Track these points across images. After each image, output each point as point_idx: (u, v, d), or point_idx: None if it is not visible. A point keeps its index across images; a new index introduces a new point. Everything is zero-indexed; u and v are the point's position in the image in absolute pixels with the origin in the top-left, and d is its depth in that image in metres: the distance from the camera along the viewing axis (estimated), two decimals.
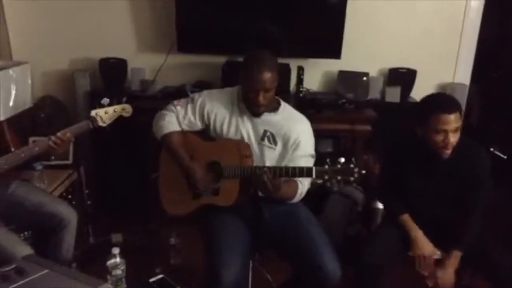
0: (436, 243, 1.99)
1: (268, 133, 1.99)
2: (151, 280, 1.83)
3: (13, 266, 1.25)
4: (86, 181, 2.96)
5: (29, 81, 2.67)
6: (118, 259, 1.70)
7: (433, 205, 2.02)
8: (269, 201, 1.92)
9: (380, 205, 2.85)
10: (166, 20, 3.05)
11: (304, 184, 1.96)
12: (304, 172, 1.79)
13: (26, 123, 2.90)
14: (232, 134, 2.00)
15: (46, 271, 1.23)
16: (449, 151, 1.90)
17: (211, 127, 2.04)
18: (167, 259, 2.59)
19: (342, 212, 2.78)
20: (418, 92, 3.15)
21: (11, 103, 2.51)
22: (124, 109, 2.17)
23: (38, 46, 3.15)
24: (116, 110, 2.13)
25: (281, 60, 2.97)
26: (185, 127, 2.06)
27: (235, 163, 1.91)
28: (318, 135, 2.88)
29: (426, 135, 1.91)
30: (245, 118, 2.00)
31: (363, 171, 1.72)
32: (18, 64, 2.66)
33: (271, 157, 1.98)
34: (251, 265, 2.12)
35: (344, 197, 2.82)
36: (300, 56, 3.08)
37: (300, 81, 3.01)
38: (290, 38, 3.00)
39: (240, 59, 2.02)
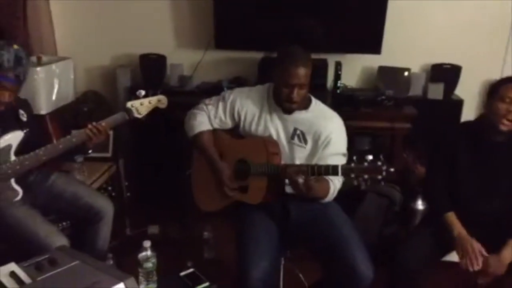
0: (484, 242, 1.90)
1: (298, 132, 1.96)
2: (182, 273, 1.85)
3: (47, 256, 1.30)
4: (125, 173, 3.05)
5: (72, 76, 2.76)
6: (149, 252, 1.73)
7: (484, 197, 1.94)
8: (296, 199, 1.91)
9: (419, 206, 2.76)
10: (205, 16, 3.07)
11: (335, 184, 1.92)
12: (330, 169, 1.75)
13: (69, 116, 2.99)
14: (260, 132, 1.99)
15: (76, 262, 1.27)
16: (509, 124, 1.86)
17: (241, 125, 2.04)
18: (200, 253, 2.62)
19: (378, 211, 2.71)
20: (463, 89, 3.02)
21: (53, 97, 2.60)
22: (159, 100, 2.20)
23: (82, 43, 3.25)
24: (151, 101, 2.16)
25: (318, 56, 2.96)
26: (216, 126, 2.07)
27: (263, 161, 1.90)
28: (356, 133, 2.84)
29: (491, 108, 1.90)
30: (275, 116, 1.98)
31: (392, 169, 1.65)
32: (61, 59, 2.75)
33: (301, 156, 1.95)
34: (282, 262, 2.10)
35: (381, 197, 2.75)
36: (338, 51, 3.01)
37: (337, 77, 2.95)
38: (328, 33, 2.94)
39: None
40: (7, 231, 1.86)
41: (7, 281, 1.19)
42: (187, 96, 2.93)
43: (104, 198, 2.19)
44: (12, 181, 1.92)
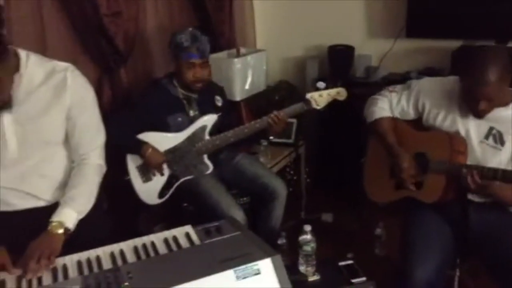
0: None
1: (494, 131, 1.73)
2: (341, 263, 1.86)
3: (216, 224, 1.49)
4: (306, 159, 3.18)
5: (264, 67, 3.01)
6: (309, 236, 1.79)
7: None
8: (481, 206, 1.71)
9: None
10: (398, 3, 2.94)
11: None
12: None
13: (262, 103, 3.27)
14: (446, 128, 1.82)
15: (238, 233, 1.42)
16: None
17: (424, 117, 1.90)
18: (366, 247, 2.58)
19: None
20: None
21: (247, 86, 2.90)
22: (338, 92, 2.24)
23: (278, 35, 3.49)
24: (330, 93, 2.22)
25: None
26: (397, 115, 1.98)
27: (445, 158, 1.75)
28: None
29: None
30: (466, 112, 1.77)
31: None
32: (256, 51, 3.03)
33: (495, 159, 1.72)
34: (457, 274, 1.92)
35: None
36: None
37: None
38: None
39: (478, 43, 1.80)
40: (197, 197, 2.19)
41: (182, 238, 1.43)
42: (371, 88, 2.85)
43: (279, 180, 2.36)
44: (205, 156, 2.24)
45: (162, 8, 2.72)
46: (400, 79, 2.84)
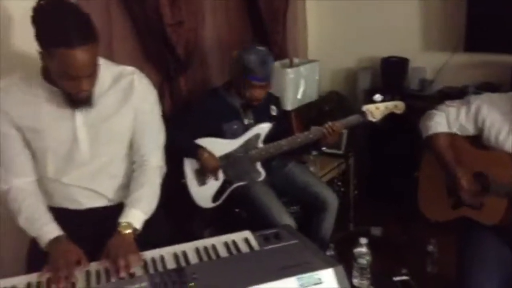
0: None
1: None
2: (395, 278, 1.84)
3: (274, 231, 1.52)
4: (355, 171, 3.16)
5: (317, 77, 3.02)
6: (364, 249, 1.78)
7: None
8: None
9: None
10: (456, 16, 2.89)
11: None
12: None
13: (312, 113, 3.28)
14: (508, 146, 1.77)
15: (296, 241, 1.44)
16: None
17: (485, 134, 1.84)
18: (418, 263, 2.52)
19: None
20: None
21: (299, 96, 2.92)
22: (396, 106, 2.22)
23: (330, 45, 3.48)
24: (387, 106, 2.20)
25: None
26: (455, 131, 1.93)
27: (507, 180, 1.71)
28: None
29: None
30: None
31: None
32: (309, 62, 3.05)
33: None
34: None
35: None
36: None
37: None
38: None
39: None
40: (249, 203, 2.23)
41: (241, 243, 1.46)
42: (426, 101, 2.82)
43: (330, 190, 2.36)
44: (258, 164, 2.27)
45: (221, 19, 2.78)
46: (457, 93, 2.79)
